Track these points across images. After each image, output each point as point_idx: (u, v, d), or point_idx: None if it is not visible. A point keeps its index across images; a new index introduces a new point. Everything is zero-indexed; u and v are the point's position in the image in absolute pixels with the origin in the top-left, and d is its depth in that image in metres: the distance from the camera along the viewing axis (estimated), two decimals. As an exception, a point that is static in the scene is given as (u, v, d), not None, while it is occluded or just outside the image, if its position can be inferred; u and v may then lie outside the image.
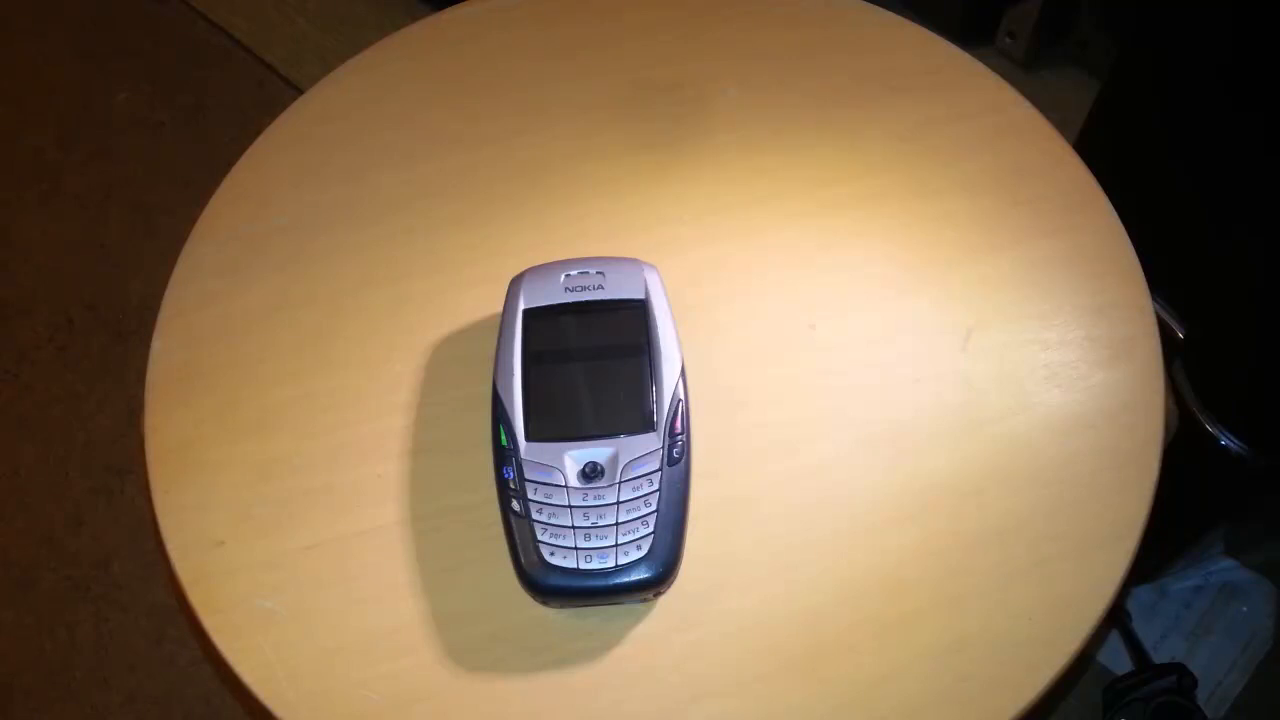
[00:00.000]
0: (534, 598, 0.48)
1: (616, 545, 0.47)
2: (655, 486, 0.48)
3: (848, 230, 0.60)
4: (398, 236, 0.60)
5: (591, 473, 0.48)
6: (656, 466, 0.48)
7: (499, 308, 0.53)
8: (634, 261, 0.53)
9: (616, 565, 0.47)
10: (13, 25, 1.53)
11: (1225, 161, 0.76)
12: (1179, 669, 0.89)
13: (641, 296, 0.52)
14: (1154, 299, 0.57)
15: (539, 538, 0.47)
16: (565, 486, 0.48)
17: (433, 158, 0.63)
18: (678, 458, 0.49)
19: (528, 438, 0.49)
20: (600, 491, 0.48)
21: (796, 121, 0.64)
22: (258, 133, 0.65)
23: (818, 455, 0.53)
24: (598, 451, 0.48)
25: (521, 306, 0.52)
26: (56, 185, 1.38)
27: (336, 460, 0.53)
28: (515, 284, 0.53)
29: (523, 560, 0.47)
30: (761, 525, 0.51)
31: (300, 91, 0.67)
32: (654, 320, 0.51)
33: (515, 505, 0.48)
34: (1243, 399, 0.78)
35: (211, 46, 1.48)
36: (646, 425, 0.49)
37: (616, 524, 0.47)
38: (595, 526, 0.47)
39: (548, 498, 0.48)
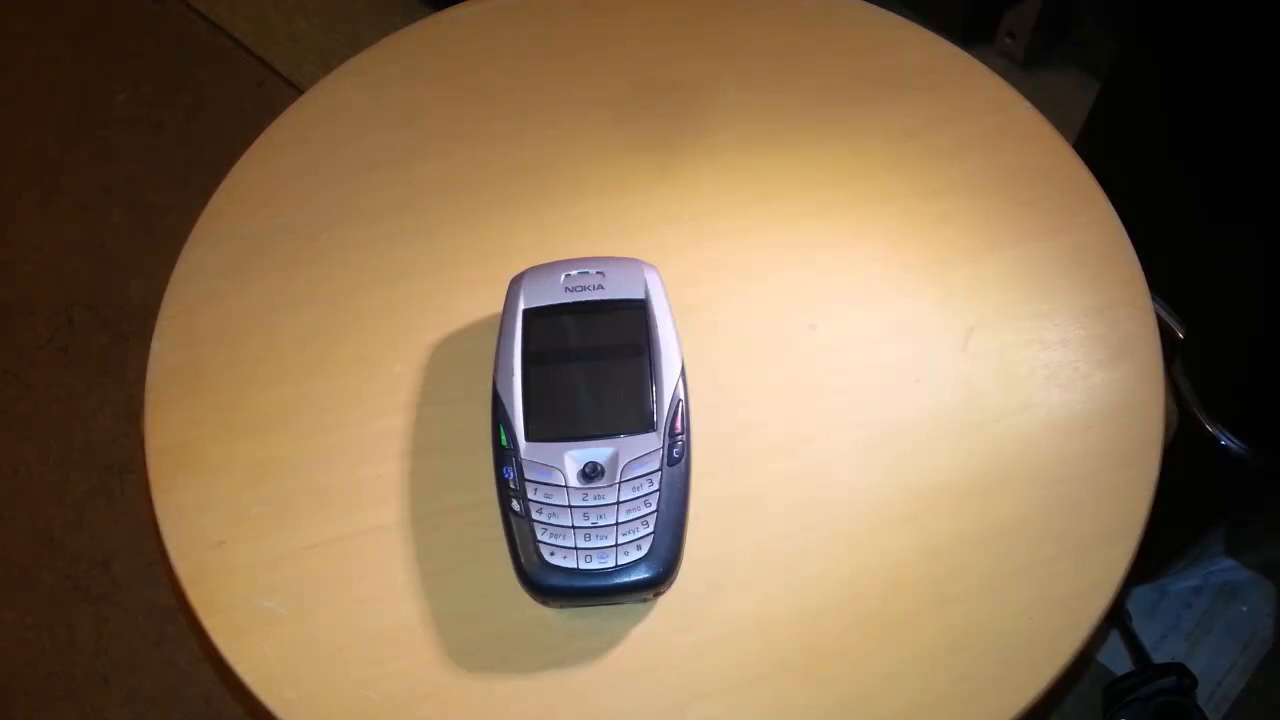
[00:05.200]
0: (534, 598, 0.48)
1: (616, 545, 0.47)
2: (655, 486, 0.48)
3: (848, 230, 0.60)
4: (398, 236, 0.60)
5: (591, 473, 0.48)
6: (656, 466, 0.48)
7: (499, 308, 0.53)
8: (634, 261, 0.53)
9: (616, 565, 0.47)
10: (13, 25, 1.53)
11: (1225, 161, 0.76)
12: (1179, 669, 0.89)
13: (641, 296, 0.52)
14: (1154, 299, 0.57)
15: (539, 538, 0.47)
16: (565, 486, 0.48)
17: (433, 158, 0.63)
18: (678, 458, 0.49)
19: (528, 438, 0.49)
20: (600, 491, 0.48)
21: (796, 121, 0.64)
22: (258, 133, 0.65)
23: (818, 455, 0.53)
24: (598, 451, 0.48)
25: (521, 306, 0.52)
26: (56, 185, 1.38)
27: (336, 460, 0.53)
28: (515, 284, 0.53)
29: (523, 560, 0.47)
30: (761, 525, 0.51)
31: (300, 91, 0.67)
32: (654, 320, 0.51)
33: (515, 505, 0.48)
34: (1243, 399, 0.78)
35: (211, 46, 1.48)
36: (646, 425, 0.49)
37: (616, 524, 0.47)
38: (595, 526, 0.47)
39: (548, 498, 0.48)
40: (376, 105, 0.66)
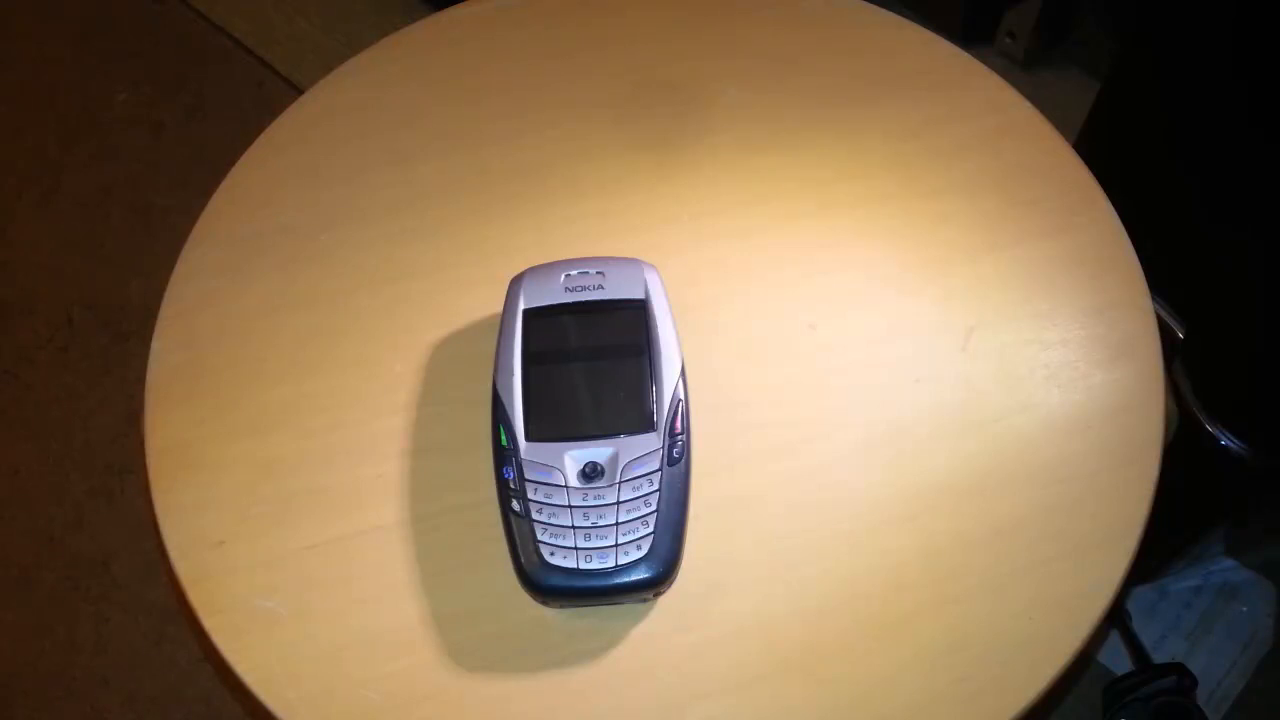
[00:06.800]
0: (534, 598, 0.48)
1: (616, 545, 0.47)
2: (655, 486, 0.48)
3: (848, 230, 0.60)
4: (398, 236, 0.60)
5: (591, 473, 0.48)
6: (656, 466, 0.48)
7: (499, 308, 0.53)
8: (634, 261, 0.53)
9: (616, 565, 0.47)
10: (13, 25, 1.53)
11: (1225, 161, 0.76)
12: (1179, 669, 0.89)
13: (641, 296, 0.52)
14: (1154, 299, 0.57)
15: (539, 538, 0.47)
16: (565, 486, 0.48)
17: (433, 158, 0.63)
18: (678, 458, 0.49)
19: (528, 438, 0.49)
20: (600, 491, 0.48)
21: (796, 121, 0.64)
22: (258, 133, 0.65)
23: (818, 455, 0.53)
24: (598, 451, 0.48)
25: (521, 306, 0.52)
26: (56, 185, 1.38)
27: (336, 460, 0.53)
28: (515, 284, 0.53)
29: (523, 560, 0.47)
30: (761, 525, 0.51)
31: (300, 91, 0.67)
32: (654, 320, 0.51)
33: (515, 505, 0.48)
34: (1243, 399, 0.78)
35: (211, 46, 1.48)
36: (646, 425, 0.49)
37: (616, 524, 0.47)
38: (595, 526, 0.47)
39: (548, 498, 0.48)
40: (376, 105, 0.66)
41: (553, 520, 0.47)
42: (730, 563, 0.50)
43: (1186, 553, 1.02)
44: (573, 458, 0.48)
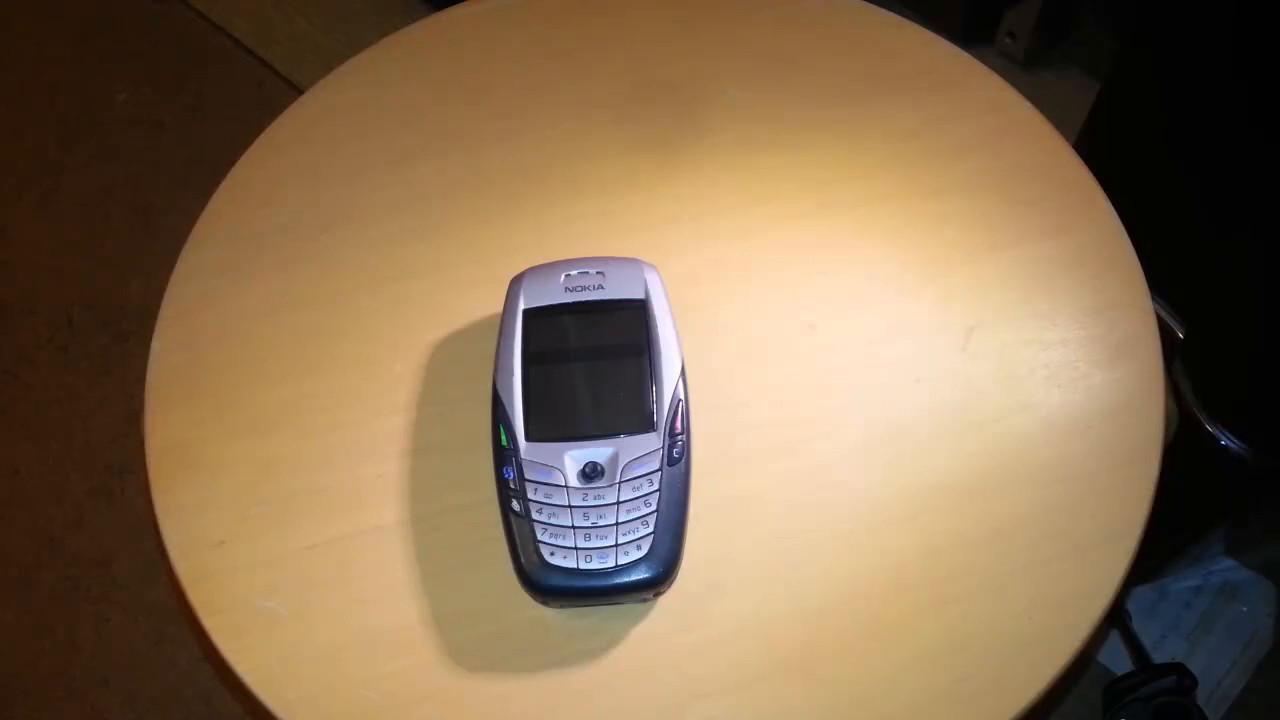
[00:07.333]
0: (534, 598, 0.48)
1: (616, 545, 0.47)
2: (655, 486, 0.48)
3: (848, 230, 0.60)
4: (398, 236, 0.60)
5: (591, 473, 0.48)
6: (656, 466, 0.48)
7: (499, 308, 0.53)
8: (634, 261, 0.53)
9: (616, 565, 0.47)
10: (13, 25, 1.53)
11: (1225, 161, 0.76)
12: (1179, 669, 0.89)
13: (641, 296, 0.52)
14: (1154, 299, 0.57)
15: (539, 538, 0.47)
16: (565, 486, 0.48)
17: (433, 158, 0.63)
18: (678, 458, 0.49)
19: (528, 438, 0.49)
20: (600, 491, 0.48)
21: (796, 121, 0.64)
22: (258, 133, 0.65)
23: (818, 455, 0.53)
24: (598, 451, 0.48)
25: (521, 306, 0.52)
26: (56, 185, 1.38)
27: (336, 460, 0.53)
28: (515, 284, 0.53)
29: (523, 560, 0.47)
30: (761, 525, 0.51)
31: (300, 91, 0.67)
32: (654, 320, 0.51)
33: (515, 505, 0.48)
34: (1243, 399, 0.78)
35: (211, 46, 1.48)
36: (646, 425, 0.49)
37: (616, 524, 0.47)
38: (595, 526, 0.47)
39: (548, 498, 0.48)
40: (376, 105, 0.66)
41: (553, 520, 0.47)
42: (730, 563, 0.50)
43: (1186, 553, 1.02)
44: (573, 458, 0.48)
